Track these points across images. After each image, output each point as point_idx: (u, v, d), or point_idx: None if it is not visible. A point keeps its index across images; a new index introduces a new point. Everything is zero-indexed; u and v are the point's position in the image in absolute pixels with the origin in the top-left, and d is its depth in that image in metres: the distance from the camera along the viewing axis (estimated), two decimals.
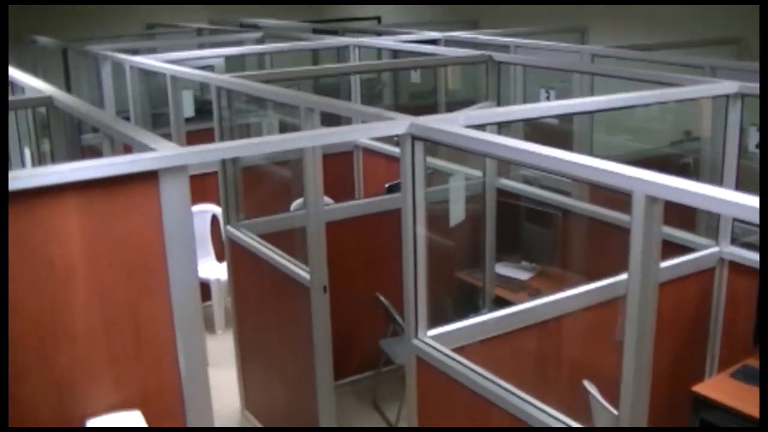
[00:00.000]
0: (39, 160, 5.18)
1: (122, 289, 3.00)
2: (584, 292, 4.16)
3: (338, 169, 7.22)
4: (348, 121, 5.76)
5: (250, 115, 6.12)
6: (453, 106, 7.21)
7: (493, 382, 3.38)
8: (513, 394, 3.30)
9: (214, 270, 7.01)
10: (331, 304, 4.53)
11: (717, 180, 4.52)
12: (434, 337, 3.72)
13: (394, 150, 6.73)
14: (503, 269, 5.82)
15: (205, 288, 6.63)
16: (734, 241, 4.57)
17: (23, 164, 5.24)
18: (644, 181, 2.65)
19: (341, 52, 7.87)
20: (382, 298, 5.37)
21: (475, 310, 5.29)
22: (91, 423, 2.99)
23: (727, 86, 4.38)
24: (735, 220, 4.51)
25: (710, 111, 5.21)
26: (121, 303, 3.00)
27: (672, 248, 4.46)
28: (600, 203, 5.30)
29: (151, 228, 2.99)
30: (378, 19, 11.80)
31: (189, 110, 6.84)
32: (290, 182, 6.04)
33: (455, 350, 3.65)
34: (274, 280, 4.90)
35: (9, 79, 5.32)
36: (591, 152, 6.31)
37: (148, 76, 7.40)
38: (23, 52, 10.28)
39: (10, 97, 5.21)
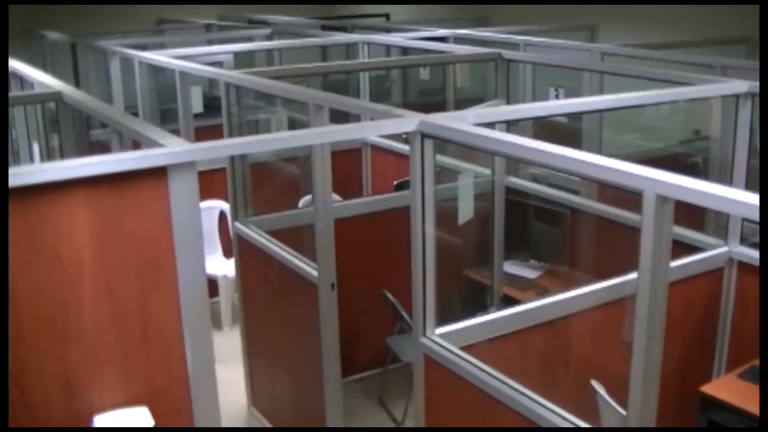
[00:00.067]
0: (48, 155, 5.17)
1: (130, 285, 2.99)
2: (592, 292, 4.15)
3: (346, 166, 7.22)
4: (357, 118, 5.75)
5: (258, 111, 6.11)
6: (461, 103, 7.21)
7: (501, 381, 3.37)
8: (521, 393, 3.29)
9: (221, 266, 7.01)
10: (338, 301, 4.52)
11: (726, 180, 4.50)
12: (442, 336, 3.72)
13: (403, 147, 6.73)
14: (511, 268, 5.81)
15: (212, 284, 6.64)
16: (743, 241, 4.55)
17: (32, 159, 5.24)
18: (655, 180, 2.64)
19: (350, 49, 7.86)
20: (390, 296, 5.37)
21: (483, 309, 5.29)
22: (99, 419, 2.99)
23: (738, 86, 4.36)
24: (744, 220, 4.49)
25: (720, 110, 5.19)
26: (129, 299, 3.00)
27: (681, 248, 4.44)
28: (608, 202, 5.29)
29: (160, 224, 2.99)
30: (387, 16, 11.79)
31: (198, 106, 6.84)
32: (298, 179, 6.04)
33: (463, 348, 3.64)
34: (282, 277, 4.90)
35: (18, 74, 5.32)
36: (600, 151, 6.30)
37: (156, 71, 7.40)
38: (32, 47, 10.30)
39: (20, 93, 5.21)
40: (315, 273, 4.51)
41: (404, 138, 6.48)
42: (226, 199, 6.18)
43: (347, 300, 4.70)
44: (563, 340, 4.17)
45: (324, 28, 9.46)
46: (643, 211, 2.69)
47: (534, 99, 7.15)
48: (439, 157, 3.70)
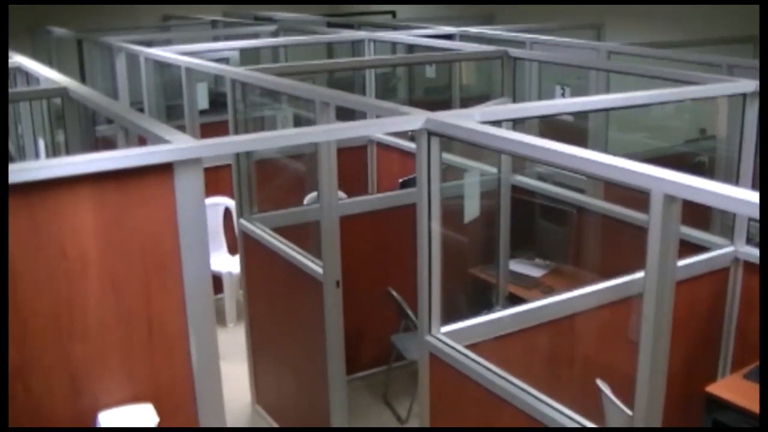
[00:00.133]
0: (53, 151, 5.18)
1: (135, 282, 2.99)
2: (598, 291, 4.14)
3: (352, 163, 7.21)
4: (362, 115, 5.74)
5: (264, 108, 6.11)
6: (467, 101, 7.20)
7: (506, 380, 3.36)
8: (526, 392, 3.28)
9: (226, 263, 7.01)
10: (343, 299, 4.52)
11: (732, 179, 4.49)
12: (447, 334, 3.71)
13: (408, 145, 6.73)
14: (517, 266, 5.80)
15: (216, 281, 6.63)
16: (749, 240, 4.53)
17: (38, 155, 5.25)
18: (663, 180, 2.63)
19: (356, 46, 7.86)
20: (395, 293, 5.36)
21: (489, 307, 5.29)
22: (104, 416, 2.99)
23: (745, 85, 4.34)
24: (750, 219, 4.48)
25: (726, 109, 5.17)
26: (134, 295, 3.00)
27: (687, 247, 4.43)
28: (614, 201, 5.28)
29: (165, 220, 2.99)
30: (393, 13, 11.78)
31: (203, 102, 6.84)
32: (304, 176, 6.03)
33: (468, 347, 3.63)
34: (287, 274, 4.90)
35: (24, 70, 5.32)
36: (606, 150, 6.28)
37: (162, 67, 7.40)
38: (38, 43, 10.32)
39: (25, 88, 5.22)
40: (320, 270, 4.51)
41: (410, 135, 6.47)
42: (231, 196, 6.17)
43: (352, 297, 4.69)
44: (568, 339, 4.16)
45: (330, 25, 9.46)
46: (650, 210, 2.68)
47: (540, 97, 7.14)
48: (445, 155, 3.70)
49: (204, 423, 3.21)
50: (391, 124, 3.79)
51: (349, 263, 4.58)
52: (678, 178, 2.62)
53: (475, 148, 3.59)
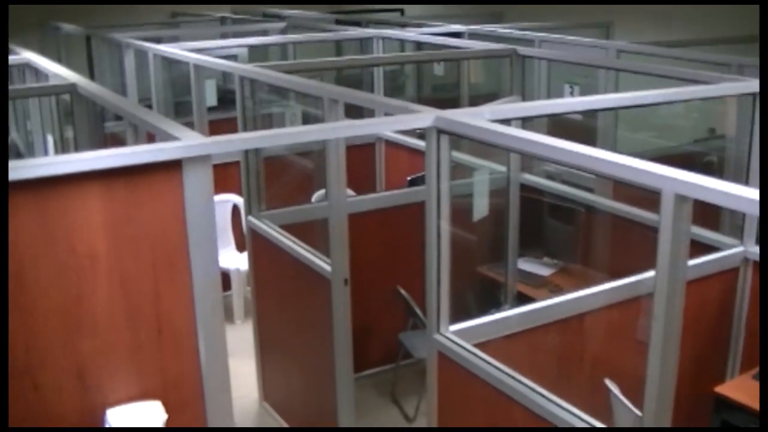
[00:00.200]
0: (62, 147, 5.18)
1: (144, 279, 2.99)
2: (606, 290, 4.13)
3: (360, 160, 7.20)
4: (370, 112, 5.74)
5: (272, 105, 6.11)
6: (475, 99, 7.19)
7: (515, 379, 3.36)
8: (534, 391, 3.27)
9: (234, 260, 7.02)
10: (351, 296, 4.51)
11: (741, 179, 4.47)
12: (456, 332, 3.70)
13: (416, 142, 6.72)
14: (525, 265, 5.79)
15: (224, 277, 6.63)
16: (759, 240, 4.52)
17: (46, 152, 5.25)
18: (674, 179, 2.62)
19: (364, 44, 7.85)
20: (403, 292, 5.36)
21: (497, 306, 5.28)
22: (112, 412, 2.99)
23: (754, 84, 4.32)
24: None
25: (736, 109, 5.16)
26: (143, 292, 3.00)
27: (696, 247, 4.41)
28: (623, 200, 5.26)
29: (174, 217, 2.99)
30: (401, 11, 11.77)
31: (212, 99, 6.84)
32: (312, 173, 6.03)
33: (477, 346, 3.63)
34: (295, 272, 4.89)
35: (33, 66, 5.32)
36: (615, 149, 6.27)
37: (170, 64, 7.39)
38: (47, 39, 10.33)
39: (35, 84, 5.22)
40: (328, 268, 4.51)
41: (418, 133, 6.46)
42: (239, 193, 6.18)
43: (360, 295, 4.68)
44: (577, 338, 4.15)
45: (338, 22, 9.45)
46: (661, 210, 2.67)
47: (548, 96, 7.13)
48: (454, 153, 3.69)
49: (212, 420, 3.21)
50: (401, 122, 3.78)
51: (357, 261, 4.57)
52: (690, 178, 2.61)
53: (483, 147, 3.58)
